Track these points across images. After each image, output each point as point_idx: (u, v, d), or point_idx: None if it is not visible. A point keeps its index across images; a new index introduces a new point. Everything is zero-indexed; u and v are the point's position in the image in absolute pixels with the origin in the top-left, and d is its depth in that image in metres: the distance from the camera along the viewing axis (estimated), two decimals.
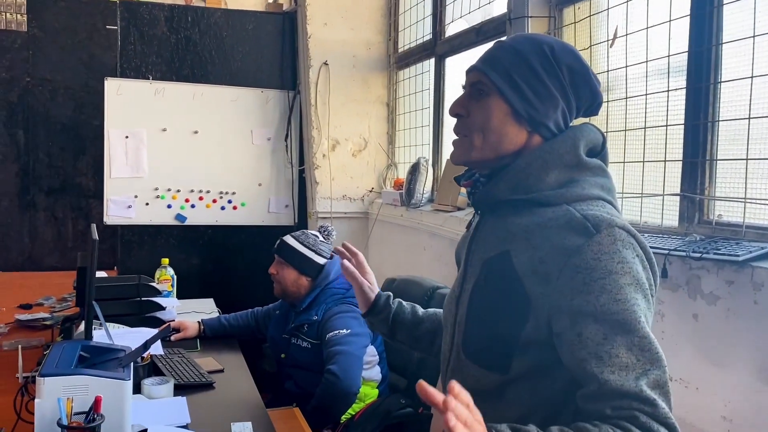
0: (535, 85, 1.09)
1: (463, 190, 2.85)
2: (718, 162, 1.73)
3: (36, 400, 1.48)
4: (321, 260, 2.33)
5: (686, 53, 1.78)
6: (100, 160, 3.72)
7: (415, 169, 3.21)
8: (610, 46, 2.06)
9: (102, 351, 1.74)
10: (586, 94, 1.12)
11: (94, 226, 1.96)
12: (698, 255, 1.56)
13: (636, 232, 1.05)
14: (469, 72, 1.16)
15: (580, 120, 1.22)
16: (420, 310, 1.47)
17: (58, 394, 1.46)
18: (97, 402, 1.45)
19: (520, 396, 1.10)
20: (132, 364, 1.70)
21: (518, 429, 0.96)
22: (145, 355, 1.91)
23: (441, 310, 1.44)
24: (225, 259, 3.94)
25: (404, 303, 1.47)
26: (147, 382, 1.83)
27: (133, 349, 1.72)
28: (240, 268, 3.94)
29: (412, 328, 1.44)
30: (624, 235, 1.02)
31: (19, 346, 1.87)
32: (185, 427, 1.64)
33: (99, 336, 1.95)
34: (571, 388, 1.07)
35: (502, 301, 1.08)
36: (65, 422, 1.42)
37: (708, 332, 1.60)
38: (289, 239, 2.36)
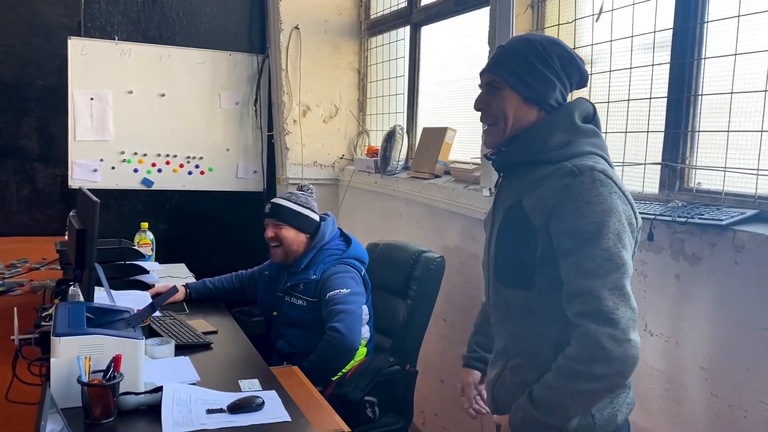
0: (535, 75, 1.41)
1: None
2: (699, 133, 1.85)
3: (52, 360, 1.49)
4: (315, 216, 2.38)
5: (671, 30, 1.89)
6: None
7: (390, 137, 3.26)
8: (596, 21, 2.15)
9: (106, 312, 1.75)
10: (575, 73, 1.45)
11: (86, 189, 1.94)
12: (683, 219, 1.68)
13: (615, 176, 1.34)
14: (483, 74, 1.49)
15: (576, 93, 1.59)
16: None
17: (74, 353, 1.47)
18: (116, 360, 1.47)
19: (543, 307, 1.38)
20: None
21: (528, 394, 1.35)
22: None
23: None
24: (193, 224, 3.91)
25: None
26: (150, 343, 1.85)
27: (128, 309, 1.75)
28: (208, 234, 3.92)
29: None
30: (602, 177, 1.31)
31: (15, 309, 1.85)
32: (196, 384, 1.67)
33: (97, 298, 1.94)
34: None
35: (518, 235, 1.40)
36: (85, 380, 1.43)
37: (689, 290, 1.73)
38: (281, 201, 2.37)
